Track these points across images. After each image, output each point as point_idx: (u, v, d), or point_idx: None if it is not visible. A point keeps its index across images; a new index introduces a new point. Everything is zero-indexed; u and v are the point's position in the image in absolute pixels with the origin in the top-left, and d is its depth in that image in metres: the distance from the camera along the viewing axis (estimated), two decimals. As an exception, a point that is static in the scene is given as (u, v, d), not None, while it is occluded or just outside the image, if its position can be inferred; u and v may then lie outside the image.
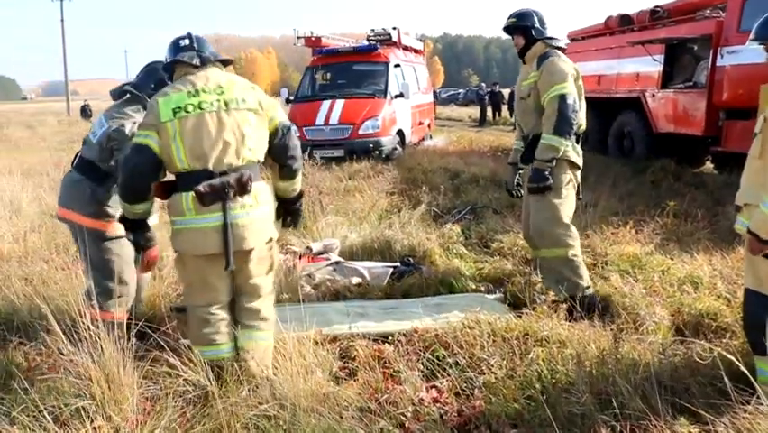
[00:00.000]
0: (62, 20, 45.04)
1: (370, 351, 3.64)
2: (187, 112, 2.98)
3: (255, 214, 3.10)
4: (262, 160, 3.20)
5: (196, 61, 3.14)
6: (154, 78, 3.71)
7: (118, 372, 2.99)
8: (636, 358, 3.22)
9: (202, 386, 3.11)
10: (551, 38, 4.46)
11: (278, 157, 3.28)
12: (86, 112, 32.65)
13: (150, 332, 3.60)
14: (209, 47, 3.28)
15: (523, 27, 4.47)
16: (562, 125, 4.17)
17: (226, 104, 3.04)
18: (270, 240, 3.26)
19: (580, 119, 4.42)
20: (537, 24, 4.44)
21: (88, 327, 3.03)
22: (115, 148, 3.57)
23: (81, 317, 3.04)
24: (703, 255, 5.13)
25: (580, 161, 4.44)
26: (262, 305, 3.32)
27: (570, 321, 3.87)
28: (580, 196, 4.65)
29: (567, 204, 4.36)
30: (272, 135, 3.21)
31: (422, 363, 3.48)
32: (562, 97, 4.17)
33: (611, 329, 3.76)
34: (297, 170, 3.39)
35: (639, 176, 9.55)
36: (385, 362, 3.48)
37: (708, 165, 11.29)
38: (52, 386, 3.08)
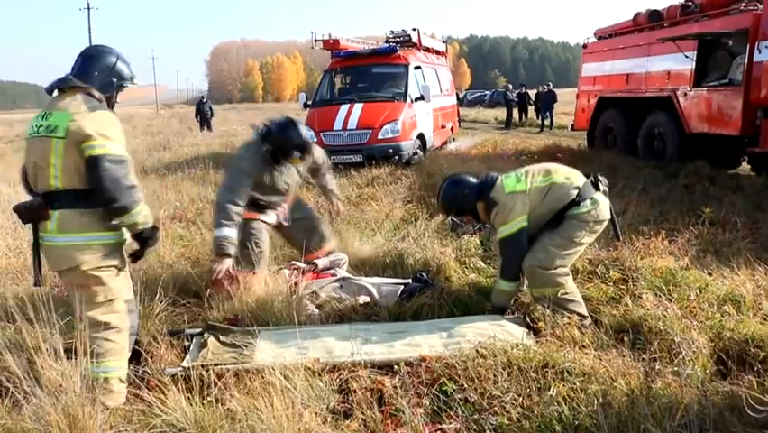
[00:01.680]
0: (89, 28, 45.62)
1: (372, 383, 3.29)
2: (29, 133, 3.18)
3: (56, 240, 3.13)
4: (80, 188, 3.09)
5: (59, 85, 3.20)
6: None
7: (83, 414, 2.67)
8: (672, 399, 2.80)
9: (180, 428, 2.79)
10: (483, 189, 4.29)
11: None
12: (111, 119, 32.79)
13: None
14: (96, 66, 3.27)
15: (457, 210, 4.61)
16: (506, 268, 4.21)
17: (45, 129, 3.08)
18: (80, 269, 3.12)
19: (570, 190, 4.14)
20: (463, 197, 4.36)
21: (51, 363, 2.72)
22: None
23: (39, 353, 2.73)
24: (745, 270, 4.66)
25: (603, 214, 4.17)
26: (89, 336, 3.05)
27: (595, 348, 3.47)
28: (620, 238, 4.66)
29: (569, 255, 4.17)
30: (87, 167, 3.06)
31: (428, 400, 3.11)
32: (503, 241, 4.18)
33: (642, 359, 3.34)
34: (117, 208, 3.11)
35: (671, 179, 9.04)
36: (386, 397, 3.12)
37: (745, 166, 10.78)
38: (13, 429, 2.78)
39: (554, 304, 4.04)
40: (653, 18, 11.43)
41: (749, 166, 10.60)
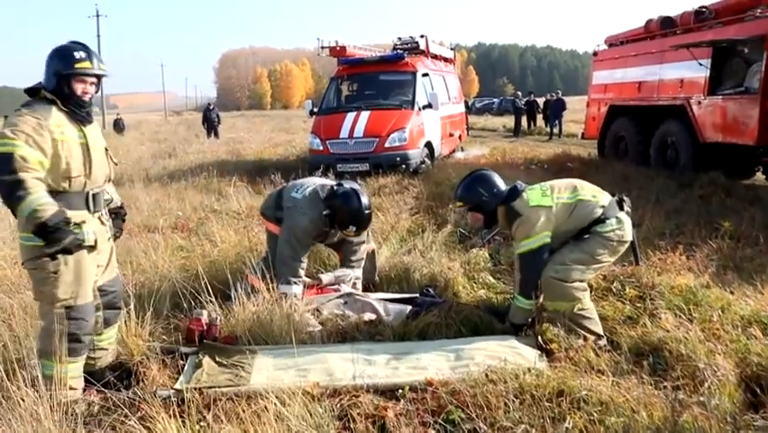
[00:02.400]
0: (98, 35, 45.72)
1: (374, 409, 3.09)
2: None
3: None
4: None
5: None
6: None
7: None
8: (700, 434, 2.58)
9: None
10: (507, 197, 4.11)
11: None
12: (118, 125, 32.77)
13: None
14: (46, 68, 3.23)
15: (474, 206, 4.26)
16: (524, 285, 4.06)
17: None
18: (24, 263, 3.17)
19: (598, 202, 4.01)
20: (485, 196, 4.17)
21: (26, 392, 2.53)
22: None
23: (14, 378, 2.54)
24: (769, 288, 4.43)
25: (627, 234, 4.02)
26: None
27: (613, 373, 3.25)
28: (639, 262, 4.55)
29: (587, 270, 3.98)
30: None
31: (434, 430, 2.90)
32: (532, 253, 3.97)
33: (664, 387, 3.11)
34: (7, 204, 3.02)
35: (686, 190, 8.78)
36: (389, 427, 2.91)
37: (759, 176, 10.53)
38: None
39: (569, 320, 3.85)
40: (666, 25, 11.22)
41: (764, 176, 10.35)
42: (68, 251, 3.04)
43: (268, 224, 5.13)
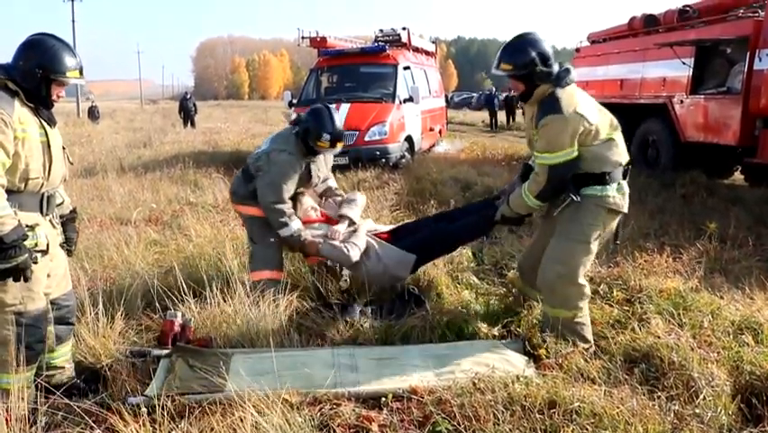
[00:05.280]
0: (73, 20, 44.66)
1: (356, 419, 2.94)
2: None
3: None
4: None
5: None
6: None
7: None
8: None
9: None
10: (557, 77, 3.57)
11: None
12: (93, 113, 32.07)
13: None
14: (24, 56, 2.99)
15: (524, 75, 3.61)
16: (545, 195, 3.71)
17: None
18: None
19: (617, 157, 3.67)
20: (539, 65, 3.53)
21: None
22: None
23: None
24: (758, 292, 4.35)
25: (625, 205, 3.75)
26: None
27: (604, 381, 3.14)
28: (618, 240, 4.24)
29: (589, 259, 3.74)
30: None
31: (419, 443, 2.75)
32: (552, 169, 3.57)
33: (657, 396, 3.00)
34: None
35: (668, 189, 8.76)
36: (372, 440, 2.76)
37: (737, 176, 10.55)
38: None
39: (563, 326, 3.65)
40: (650, 23, 11.16)
41: (743, 176, 10.37)
42: (21, 271, 2.82)
43: (241, 207, 4.84)
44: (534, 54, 3.52)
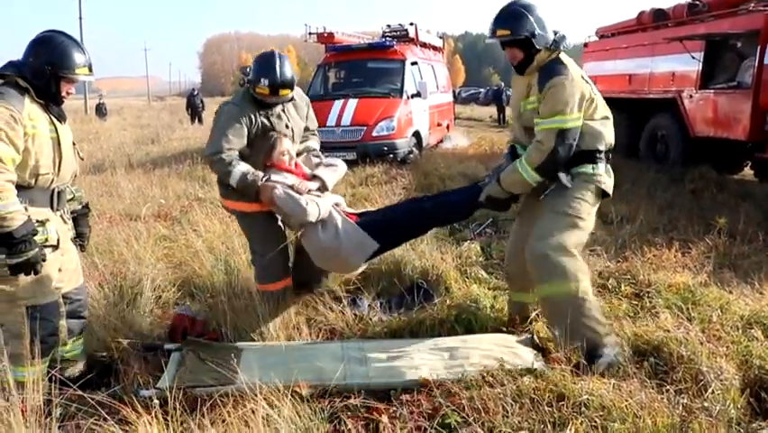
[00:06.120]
0: (80, 18, 44.79)
1: (366, 412, 2.96)
2: None
3: None
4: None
5: None
6: None
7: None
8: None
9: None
10: (555, 42, 3.44)
11: None
12: (101, 110, 32.21)
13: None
14: (33, 52, 3.00)
15: (520, 40, 3.43)
16: (549, 166, 3.40)
17: None
18: None
19: (609, 137, 3.54)
20: (538, 30, 3.38)
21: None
22: None
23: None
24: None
25: (611, 189, 3.58)
26: None
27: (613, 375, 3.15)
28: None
29: (580, 235, 3.51)
30: None
31: (429, 435, 2.77)
32: (562, 134, 3.34)
33: (666, 390, 3.01)
34: None
35: (677, 184, 8.73)
36: (382, 432, 2.78)
37: (747, 171, 10.50)
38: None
39: (573, 309, 3.29)
40: (659, 17, 11.10)
41: (752, 172, 10.32)
42: (31, 265, 2.86)
43: (228, 202, 4.30)
44: (531, 18, 3.39)
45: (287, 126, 4.18)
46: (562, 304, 3.34)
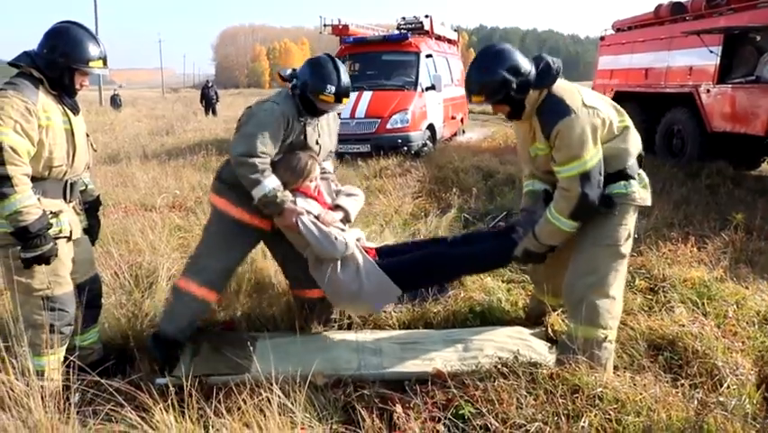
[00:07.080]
0: (96, 10, 44.96)
1: (380, 401, 2.98)
2: None
3: None
4: None
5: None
6: None
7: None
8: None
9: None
10: (540, 78, 3.14)
11: None
12: (115, 101, 32.43)
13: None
14: (48, 43, 2.99)
15: (499, 99, 3.18)
16: (582, 210, 3.16)
17: None
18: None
19: (634, 147, 3.30)
20: (515, 79, 3.08)
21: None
22: None
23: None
24: (785, 284, 4.32)
25: (649, 199, 3.37)
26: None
27: (626, 366, 3.14)
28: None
29: (622, 267, 3.29)
30: None
31: (443, 426, 2.78)
32: (585, 176, 3.09)
33: (681, 384, 3.00)
34: None
35: (693, 180, 8.65)
36: (396, 421, 2.79)
37: (765, 167, 10.40)
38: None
39: (591, 350, 3.14)
40: (677, 10, 10.99)
41: (771, 168, 10.24)
42: (45, 259, 2.89)
43: (214, 196, 3.75)
44: (502, 72, 3.07)
45: (317, 143, 3.80)
46: (584, 345, 3.19)
